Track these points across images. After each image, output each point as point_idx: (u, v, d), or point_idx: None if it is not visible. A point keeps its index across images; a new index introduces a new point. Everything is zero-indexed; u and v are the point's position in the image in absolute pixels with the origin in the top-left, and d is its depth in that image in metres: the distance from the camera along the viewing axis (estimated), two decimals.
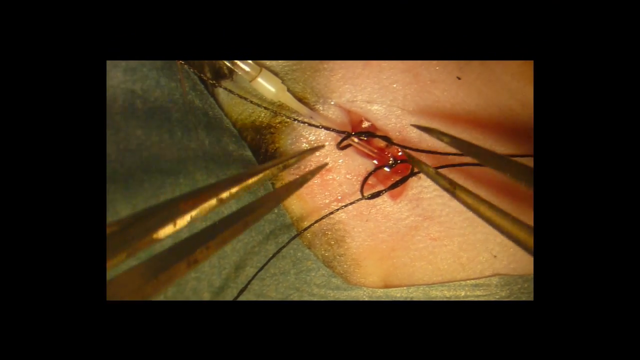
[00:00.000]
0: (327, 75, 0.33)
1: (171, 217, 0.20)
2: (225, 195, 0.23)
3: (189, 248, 0.20)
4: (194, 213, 0.21)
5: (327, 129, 0.33)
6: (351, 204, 0.34)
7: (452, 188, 0.27)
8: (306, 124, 0.34)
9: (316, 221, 0.35)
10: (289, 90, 0.33)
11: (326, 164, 0.34)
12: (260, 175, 0.26)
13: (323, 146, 0.34)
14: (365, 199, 0.34)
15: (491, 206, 0.24)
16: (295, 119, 0.34)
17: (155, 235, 0.20)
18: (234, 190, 0.23)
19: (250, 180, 0.25)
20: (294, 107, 0.33)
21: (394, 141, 0.34)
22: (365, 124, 0.34)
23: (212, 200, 0.22)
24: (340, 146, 0.33)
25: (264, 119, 0.35)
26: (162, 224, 0.20)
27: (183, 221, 0.21)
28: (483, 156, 0.27)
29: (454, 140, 0.29)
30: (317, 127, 0.33)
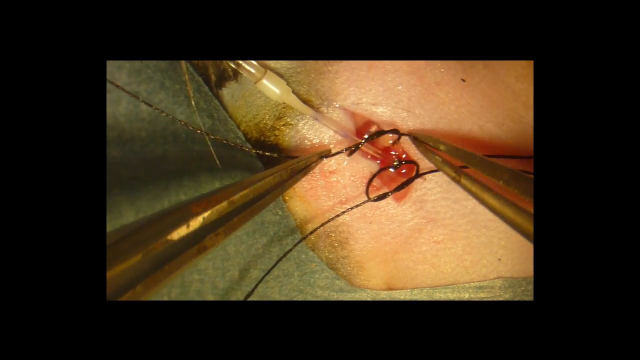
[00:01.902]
0: (331, 78, 0.33)
1: (184, 219, 0.21)
2: (236, 197, 0.23)
3: (199, 235, 0.21)
4: (206, 215, 0.21)
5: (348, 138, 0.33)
6: (357, 206, 0.34)
7: (457, 177, 0.27)
8: (312, 126, 0.34)
9: (322, 224, 0.34)
10: (293, 92, 0.33)
11: (329, 150, 0.34)
12: (269, 179, 0.26)
13: (332, 153, 0.34)
14: (371, 201, 0.34)
15: (495, 194, 0.25)
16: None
17: (169, 237, 0.20)
18: (244, 192, 0.24)
19: (259, 184, 0.25)
20: (299, 108, 0.33)
21: (400, 143, 0.34)
22: (373, 128, 0.34)
23: (223, 203, 0.22)
24: (349, 152, 0.33)
25: (268, 121, 0.35)
26: (176, 225, 0.20)
27: (196, 223, 0.21)
28: (478, 163, 0.27)
29: (449, 149, 0.29)
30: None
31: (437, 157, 0.30)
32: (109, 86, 0.31)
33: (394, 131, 0.33)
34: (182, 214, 0.21)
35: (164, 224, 0.20)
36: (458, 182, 0.27)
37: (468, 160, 0.28)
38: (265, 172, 0.27)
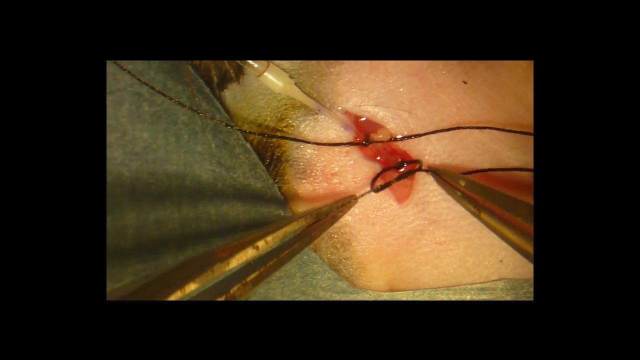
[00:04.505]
0: (333, 80, 0.33)
1: (209, 264, 0.21)
2: (260, 243, 0.24)
3: (225, 285, 0.22)
4: (231, 260, 0.22)
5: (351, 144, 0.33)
6: (361, 196, 0.34)
7: (477, 212, 0.28)
8: (315, 123, 0.34)
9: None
10: (296, 84, 0.33)
11: (354, 197, 0.34)
12: (294, 224, 0.27)
13: (356, 200, 0.34)
14: (374, 191, 0.34)
15: (515, 230, 0.25)
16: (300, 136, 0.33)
17: (193, 283, 0.21)
18: (268, 238, 0.24)
19: (285, 229, 0.26)
20: (302, 100, 0.33)
21: (400, 147, 0.34)
22: (380, 136, 0.34)
23: (247, 249, 0.23)
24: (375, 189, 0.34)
25: (270, 123, 0.35)
26: (200, 271, 0.21)
27: (221, 267, 0.22)
28: (496, 199, 0.27)
29: (469, 184, 0.30)
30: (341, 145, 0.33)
31: (457, 192, 0.30)
32: (111, 87, 0.31)
33: (416, 163, 0.34)
34: (207, 260, 0.21)
35: (188, 271, 0.20)
36: (478, 217, 0.28)
37: (487, 195, 0.28)
38: (289, 217, 0.27)
